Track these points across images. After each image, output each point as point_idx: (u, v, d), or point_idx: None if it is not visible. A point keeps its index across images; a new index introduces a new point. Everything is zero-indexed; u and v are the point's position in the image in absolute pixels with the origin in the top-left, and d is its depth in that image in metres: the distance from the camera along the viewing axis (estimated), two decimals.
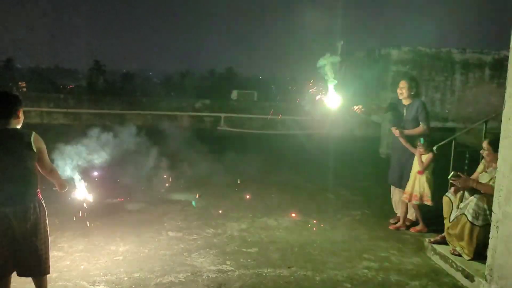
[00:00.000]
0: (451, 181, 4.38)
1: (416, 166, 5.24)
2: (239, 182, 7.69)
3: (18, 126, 3.19)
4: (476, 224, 4.08)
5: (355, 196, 7.09)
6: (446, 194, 4.60)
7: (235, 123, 15.21)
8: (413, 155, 5.32)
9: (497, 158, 4.23)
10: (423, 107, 5.36)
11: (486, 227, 4.04)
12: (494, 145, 4.19)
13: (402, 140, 5.37)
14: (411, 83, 5.39)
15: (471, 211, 4.11)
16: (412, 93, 5.40)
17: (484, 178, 4.32)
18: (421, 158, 5.19)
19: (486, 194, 4.11)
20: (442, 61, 10.85)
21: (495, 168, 4.23)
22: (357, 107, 5.56)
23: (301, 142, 12.41)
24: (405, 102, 5.47)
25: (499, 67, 11.03)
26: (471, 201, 4.15)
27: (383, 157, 11.10)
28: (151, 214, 5.75)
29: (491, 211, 4.04)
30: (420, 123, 5.32)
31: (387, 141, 10.90)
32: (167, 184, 7.28)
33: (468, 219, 4.11)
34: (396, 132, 5.37)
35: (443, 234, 4.56)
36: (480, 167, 4.51)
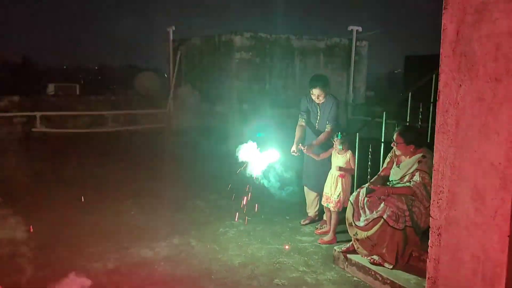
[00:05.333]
0: (367, 197, 3.88)
1: (335, 168, 4.58)
2: (83, 199, 6.13)
3: None
4: (397, 228, 3.68)
5: (225, 200, 6.25)
6: (350, 199, 4.12)
7: (55, 122, 12.84)
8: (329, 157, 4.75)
9: (410, 151, 3.92)
10: (336, 107, 4.84)
11: (406, 229, 3.70)
12: (405, 136, 3.85)
13: (314, 156, 4.76)
14: (325, 88, 4.81)
15: (390, 213, 3.69)
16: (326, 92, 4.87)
17: (396, 174, 3.96)
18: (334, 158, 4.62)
19: (404, 195, 3.74)
20: (282, 48, 10.79)
21: (408, 161, 3.92)
22: (304, 148, 4.71)
23: (142, 139, 11.09)
24: (318, 101, 4.89)
25: (331, 53, 11.52)
26: (389, 202, 3.73)
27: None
28: None
29: (411, 211, 3.71)
30: (327, 123, 4.78)
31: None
32: None
33: (388, 224, 3.68)
34: (306, 150, 4.71)
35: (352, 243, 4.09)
36: (387, 161, 4.15)
